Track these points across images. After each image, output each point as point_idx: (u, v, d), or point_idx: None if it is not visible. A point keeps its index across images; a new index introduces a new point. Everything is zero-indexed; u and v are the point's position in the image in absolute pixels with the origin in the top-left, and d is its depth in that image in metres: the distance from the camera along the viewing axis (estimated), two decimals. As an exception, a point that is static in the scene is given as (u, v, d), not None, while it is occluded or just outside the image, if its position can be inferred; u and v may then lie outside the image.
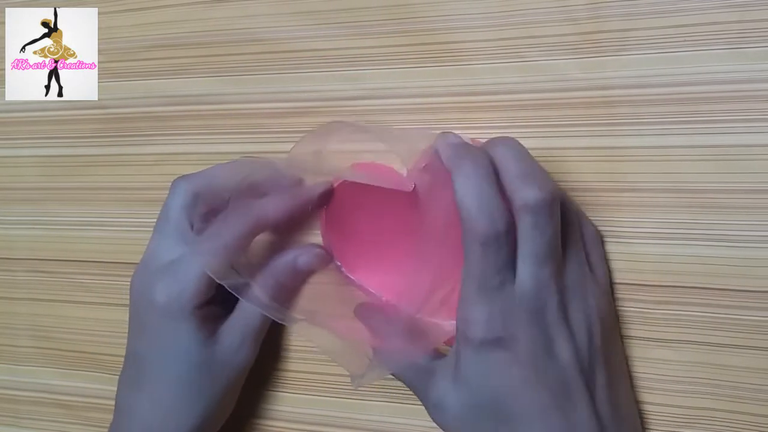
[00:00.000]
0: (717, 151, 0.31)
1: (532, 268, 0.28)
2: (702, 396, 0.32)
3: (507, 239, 0.28)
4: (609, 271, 0.33)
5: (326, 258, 0.37)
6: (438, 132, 0.32)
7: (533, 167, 0.29)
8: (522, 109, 0.34)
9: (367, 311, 0.35)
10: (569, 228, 0.30)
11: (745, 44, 0.31)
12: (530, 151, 0.34)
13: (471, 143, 0.31)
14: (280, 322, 0.35)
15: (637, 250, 0.33)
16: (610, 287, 0.33)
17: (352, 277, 0.37)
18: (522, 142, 0.34)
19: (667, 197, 0.32)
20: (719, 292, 0.32)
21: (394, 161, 0.36)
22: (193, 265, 0.33)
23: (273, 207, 0.35)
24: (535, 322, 0.28)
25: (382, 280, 0.36)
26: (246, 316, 0.36)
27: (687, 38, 0.31)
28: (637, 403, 0.33)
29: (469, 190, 0.28)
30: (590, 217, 0.33)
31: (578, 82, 0.33)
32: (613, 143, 0.33)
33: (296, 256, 0.37)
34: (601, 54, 0.33)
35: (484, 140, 0.32)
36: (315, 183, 0.36)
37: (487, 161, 0.29)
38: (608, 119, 0.33)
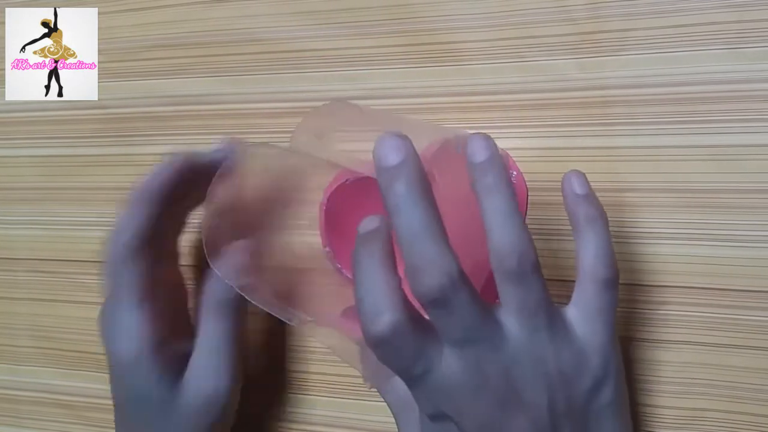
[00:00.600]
0: (715, 151, 0.31)
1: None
2: (701, 396, 0.32)
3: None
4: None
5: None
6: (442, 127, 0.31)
7: None
8: (521, 109, 0.34)
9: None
10: None
11: (743, 44, 0.31)
12: (529, 151, 0.34)
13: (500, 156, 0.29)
14: (287, 322, 0.34)
15: (636, 250, 0.33)
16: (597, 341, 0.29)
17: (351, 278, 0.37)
18: (520, 142, 0.34)
19: (665, 197, 0.32)
20: (719, 292, 0.32)
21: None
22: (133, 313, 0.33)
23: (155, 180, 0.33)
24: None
25: None
26: (210, 342, 0.34)
27: (685, 38, 0.31)
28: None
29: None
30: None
31: (578, 82, 0.33)
32: (612, 143, 0.33)
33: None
34: (601, 54, 0.33)
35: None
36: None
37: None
38: (607, 119, 0.33)
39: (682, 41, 0.31)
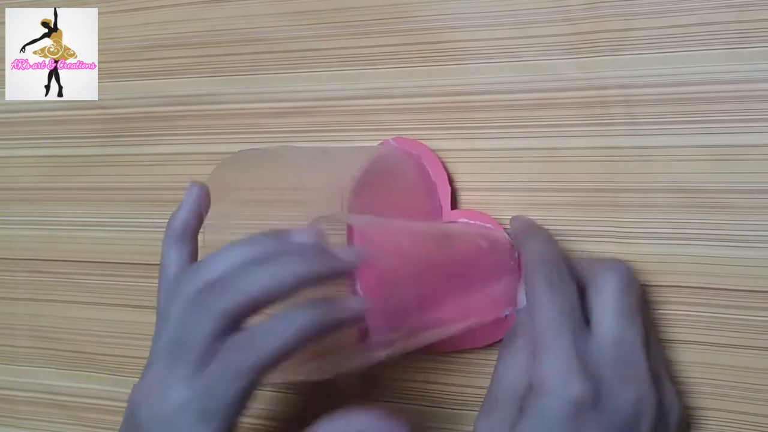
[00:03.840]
0: (715, 151, 0.31)
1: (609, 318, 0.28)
2: (702, 396, 0.32)
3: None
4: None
5: None
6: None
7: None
8: (519, 109, 0.34)
9: None
10: None
11: (743, 44, 0.31)
12: (527, 151, 0.34)
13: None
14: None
15: (636, 250, 0.33)
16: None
17: None
18: (519, 142, 0.34)
19: (665, 197, 0.32)
20: (719, 292, 0.32)
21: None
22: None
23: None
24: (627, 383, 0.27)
25: None
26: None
27: (685, 38, 0.31)
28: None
29: (533, 247, 0.30)
30: (587, 218, 0.33)
31: (576, 82, 0.33)
32: (611, 143, 0.33)
33: None
34: (599, 54, 0.33)
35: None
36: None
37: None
38: (606, 119, 0.33)
39: (681, 41, 0.31)
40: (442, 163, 0.35)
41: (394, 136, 0.36)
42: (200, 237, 0.31)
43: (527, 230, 0.32)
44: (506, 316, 0.34)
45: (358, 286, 0.35)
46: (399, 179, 0.34)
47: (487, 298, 0.33)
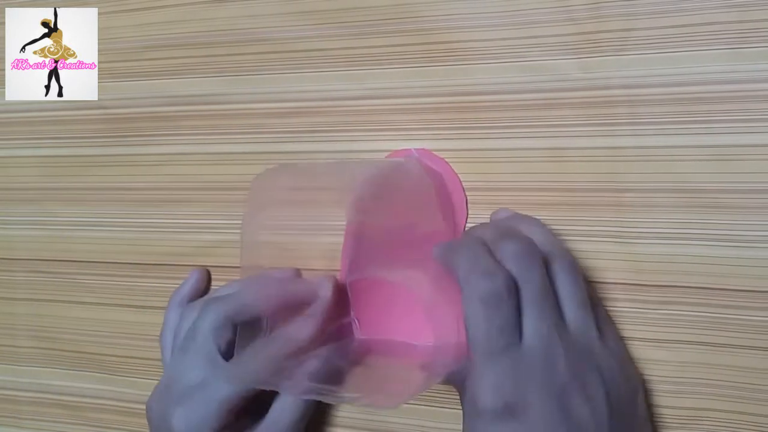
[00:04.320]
0: (716, 151, 0.31)
1: (534, 322, 0.28)
2: (701, 396, 0.32)
3: (509, 296, 0.28)
4: (621, 338, 0.33)
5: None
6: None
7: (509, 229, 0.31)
8: (522, 109, 0.34)
9: None
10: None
11: (744, 44, 0.31)
12: (531, 151, 0.34)
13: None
14: (337, 402, 0.34)
15: (636, 250, 0.33)
16: (626, 354, 0.32)
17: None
18: (522, 142, 0.34)
19: (666, 197, 0.32)
20: (719, 292, 0.32)
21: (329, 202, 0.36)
22: (218, 391, 0.32)
23: (302, 332, 0.34)
24: (547, 383, 0.27)
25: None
26: (275, 421, 0.34)
27: (687, 38, 0.31)
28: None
29: (464, 260, 0.29)
30: (589, 218, 0.33)
31: (578, 82, 0.33)
32: (613, 143, 0.33)
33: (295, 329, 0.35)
34: (602, 54, 0.33)
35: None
36: (322, 290, 0.36)
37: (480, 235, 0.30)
38: (608, 119, 0.33)
39: (683, 41, 0.32)
40: (463, 187, 0.35)
41: (418, 148, 0.36)
42: (237, 260, 0.35)
43: (458, 246, 0.31)
44: None
45: (354, 317, 0.37)
46: (411, 194, 0.34)
47: None
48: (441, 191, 0.35)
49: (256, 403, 0.34)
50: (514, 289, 0.28)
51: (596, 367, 0.28)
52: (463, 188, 0.35)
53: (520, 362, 0.27)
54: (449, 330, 0.30)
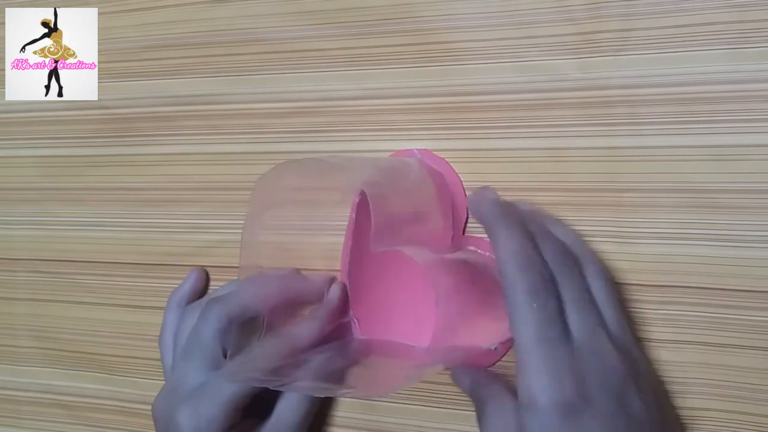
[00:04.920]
0: (717, 151, 0.31)
1: (580, 319, 0.28)
2: (701, 396, 0.32)
3: (554, 293, 0.28)
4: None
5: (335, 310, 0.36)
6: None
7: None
8: (521, 109, 0.34)
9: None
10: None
11: (745, 44, 0.31)
12: (530, 152, 0.34)
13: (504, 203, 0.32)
14: (332, 396, 0.34)
15: (637, 250, 0.33)
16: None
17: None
18: (521, 142, 0.34)
19: (666, 197, 0.32)
20: (719, 292, 0.32)
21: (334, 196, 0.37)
22: (223, 389, 0.32)
23: (306, 334, 0.34)
24: (606, 379, 0.27)
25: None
26: (280, 420, 0.34)
27: (687, 38, 0.31)
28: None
29: (510, 247, 0.28)
30: (589, 218, 0.33)
31: (577, 82, 0.33)
32: (613, 143, 0.33)
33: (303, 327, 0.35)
34: (601, 54, 0.33)
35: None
36: (330, 293, 0.36)
37: (522, 221, 0.30)
38: (607, 119, 0.33)
39: (683, 41, 0.31)
40: (464, 187, 0.35)
41: (420, 148, 0.36)
42: (236, 260, 0.34)
43: (498, 217, 0.30)
44: (495, 349, 0.34)
45: (353, 316, 0.37)
46: (414, 192, 0.34)
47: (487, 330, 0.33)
48: (442, 191, 0.35)
49: (262, 404, 0.34)
50: (556, 287, 0.28)
51: (639, 368, 0.29)
52: (464, 188, 0.35)
53: (576, 356, 0.27)
54: (453, 323, 0.30)
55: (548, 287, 0.28)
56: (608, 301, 0.30)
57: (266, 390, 0.32)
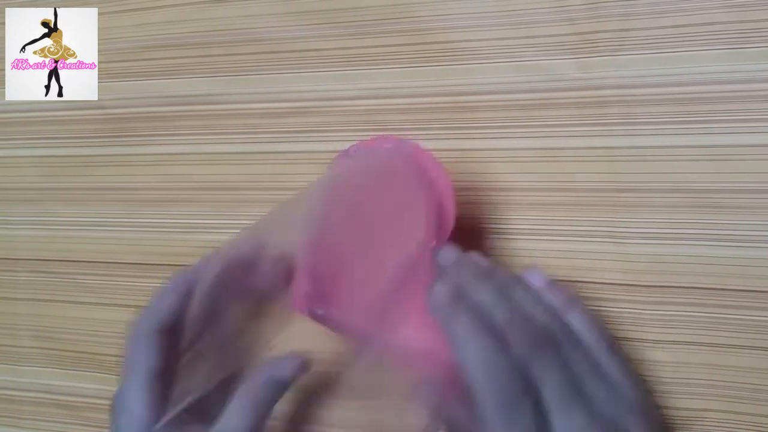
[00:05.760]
0: (715, 151, 0.31)
1: (561, 417, 0.26)
2: (701, 396, 0.32)
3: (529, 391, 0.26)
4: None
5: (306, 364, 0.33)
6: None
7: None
8: (519, 109, 0.34)
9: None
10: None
11: (744, 44, 0.31)
12: (526, 151, 0.34)
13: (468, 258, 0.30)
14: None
15: (634, 250, 0.33)
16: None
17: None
18: (518, 142, 0.34)
19: (664, 197, 0.32)
20: (718, 292, 0.32)
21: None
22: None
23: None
24: None
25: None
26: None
27: (686, 38, 0.31)
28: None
29: (474, 355, 0.26)
30: (585, 218, 0.33)
31: (576, 82, 0.33)
32: (611, 143, 0.33)
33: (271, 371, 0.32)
34: (599, 54, 0.33)
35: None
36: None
37: (478, 313, 0.27)
38: (606, 119, 0.33)
39: (682, 41, 0.31)
40: (451, 184, 0.32)
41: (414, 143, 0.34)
42: None
43: (455, 315, 0.27)
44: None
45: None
46: (393, 199, 0.32)
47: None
48: (418, 195, 0.31)
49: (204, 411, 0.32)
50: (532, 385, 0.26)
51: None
52: (451, 183, 0.32)
53: None
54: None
55: (522, 396, 0.26)
56: (602, 349, 0.28)
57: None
